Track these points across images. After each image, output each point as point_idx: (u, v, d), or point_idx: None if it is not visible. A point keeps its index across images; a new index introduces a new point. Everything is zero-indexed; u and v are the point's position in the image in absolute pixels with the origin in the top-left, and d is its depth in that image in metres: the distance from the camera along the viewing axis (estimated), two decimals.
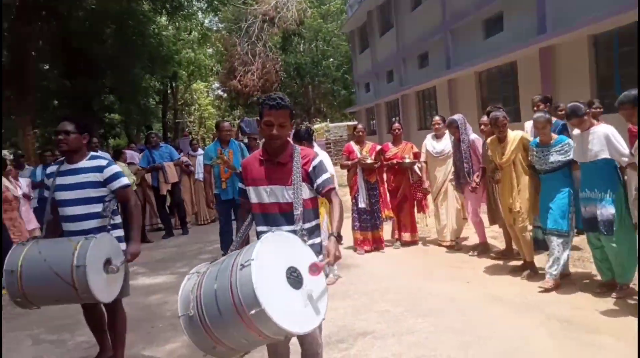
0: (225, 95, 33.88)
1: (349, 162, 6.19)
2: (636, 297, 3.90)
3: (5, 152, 20.20)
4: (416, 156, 6.31)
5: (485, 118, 5.20)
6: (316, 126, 25.78)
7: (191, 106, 40.89)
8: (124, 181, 3.26)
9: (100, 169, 3.19)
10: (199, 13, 14.91)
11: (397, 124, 6.54)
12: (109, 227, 3.20)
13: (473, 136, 5.68)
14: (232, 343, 1.97)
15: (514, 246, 5.28)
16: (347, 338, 3.75)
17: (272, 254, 2.01)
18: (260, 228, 2.50)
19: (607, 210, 3.87)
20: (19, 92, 12.36)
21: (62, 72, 14.38)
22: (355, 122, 27.40)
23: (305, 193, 2.43)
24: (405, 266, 5.67)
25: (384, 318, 4.10)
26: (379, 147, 6.31)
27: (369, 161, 6.05)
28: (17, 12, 10.91)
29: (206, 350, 2.02)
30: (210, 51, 29.40)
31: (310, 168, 2.45)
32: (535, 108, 5.84)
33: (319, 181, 2.45)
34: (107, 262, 2.95)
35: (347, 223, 6.13)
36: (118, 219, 3.34)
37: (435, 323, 3.91)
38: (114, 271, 2.95)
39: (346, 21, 26.45)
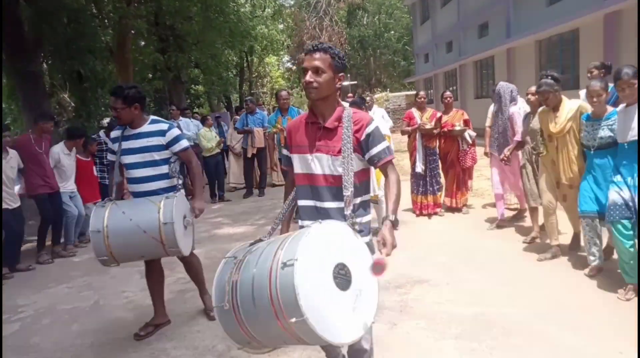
0: (295, 67, 33.87)
1: (409, 128, 5.92)
2: None
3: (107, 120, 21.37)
4: (466, 123, 5.92)
5: (533, 88, 4.48)
6: (376, 96, 25.30)
7: (264, 78, 41.34)
8: (184, 143, 3.14)
9: (162, 133, 3.06)
10: None
11: (447, 93, 6.13)
12: (179, 186, 3.11)
13: (513, 108, 4.98)
14: (268, 342, 1.72)
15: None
16: (405, 285, 3.80)
17: (318, 251, 1.62)
18: (302, 202, 2.04)
19: None
20: (120, 66, 13.08)
21: (155, 47, 14.95)
22: (414, 92, 26.62)
23: (356, 164, 1.93)
24: (459, 225, 5.54)
25: (439, 269, 4.10)
26: (439, 114, 6.00)
27: (428, 126, 5.79)
28: None
29: (241, 343, 1.77)
30: (281, 26, 29.25)
31: (364, 136, 1.91)
32: (589, 74, 5.05)
33: (374, 151, 1.91)
34: (185, 219, 2.95)
35: (406, 186, 5.94)
36: (179, 181, 3.25)
37: (486, 274, 3.88)
38: (189, 224, 2.99)
39: None
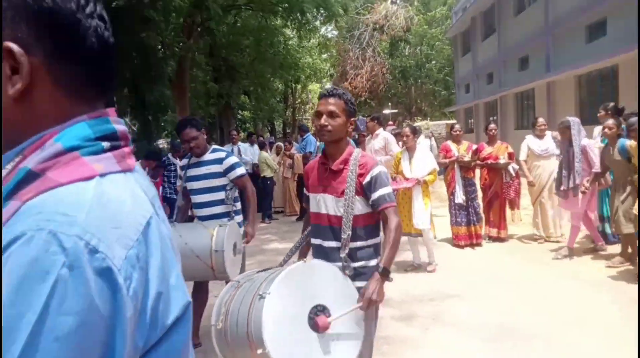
0: None
1: (447, 160, 5.96)
2: None
3: (162, 141, 22.76)
4: (511, 156, 6.01)
5: (610, 121, 4.70)
6: (416, 124, 25.70)
7: (306, 104, 42.68)
8: (240, 171, 3.31)
9: (220, 161, 3.27)
10: (318, 23, 15.76)
11: (492, 125, 6.29)
12: (233, 213, 3.30)
13: (585, 140, 5.05)
14: None
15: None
16: (437, 298, 4.23)
17: (295, 288, 1.65)
18: (312, 240, 2.17)
19: None
20: (178, 94, 14.27)
21: (210, 77, 16.18)
22: (454, 121, 26.87)
23: (361, 207, 2.01)
24: (496, 253, 5.72)
25: (471, 286, 4.49)
26: (474, 146, 6.09)
27: (466, 159, 5.85)
28: (184, 31, 12.61)
29: None
30: (325, 56, 30.49)
31: (367, 179, 1.99)
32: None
33: (375, 195, 1.99)
34: (235, 246, 3.08)
35: (447, 219, 6.19)
36: (238, 205, 3.44)
37: (514, 293, 4.26)
38: (239, 252, 3.13)
39: (450, 27, 25.91)
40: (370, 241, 2.07)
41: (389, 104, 29.73)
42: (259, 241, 7.22)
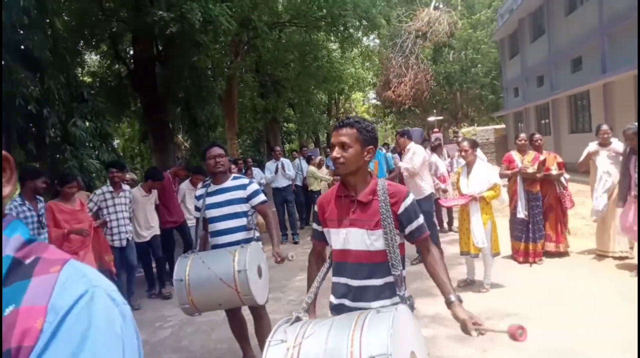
0: (379, 103, 34.80)
1: (509, 172, 5.62)
2: None
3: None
4: (561, 166, 5.73)
5: None
6: (463, 130, 25.18)
7: (349, 113, 42.85)
8: (262, 197, 3.35)
9: (244, 187, 3.30)
10: (360, 33, 15.89)
11: (537, 135, 5.87)
12: (255, 240, 3.26)
13: None
14: None
15: None
16: (494, 317, 4.13)
17: (402, 341, 1.47)
18: (334, 279, 2.02)
19: None
20: (227, 111, 14.83)
21: (257, 93, 16.68)
22: (503, 126, 26.15)
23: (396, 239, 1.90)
24: (557, 268, 5.44)
25: (529, 305, 4.34)
26: (542, 157, 5.61)
27: (530, 170, 5.47)
28: (231, 50, 13.14)
29: None
30: (367, 64, 30.56)
31: (401, 210, 1.90)
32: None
33: (413, 226, 1.91)
34: (259, 268, 3.02)
35: (507, 232, 5.85)
36: (257, 232, 3.41)
37: (575, 313, 4.11)
38: (263, 274, 3.09)
39: (496, 29, 25.29)
40: (404, 271, 1.94)
41: (434, 111, 29.30)
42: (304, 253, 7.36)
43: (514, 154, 5.74)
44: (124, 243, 5.39)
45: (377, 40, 27.88)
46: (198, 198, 3.37)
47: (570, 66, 16.85)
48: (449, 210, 7.80)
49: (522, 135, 5.79)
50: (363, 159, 1.92)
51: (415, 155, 5.86)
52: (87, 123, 7.75)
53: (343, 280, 1.98)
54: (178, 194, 6.40)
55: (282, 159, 8.85)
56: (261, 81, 17.24)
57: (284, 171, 8.45)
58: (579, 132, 15.84)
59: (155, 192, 5.92)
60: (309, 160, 9.53)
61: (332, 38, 14.58)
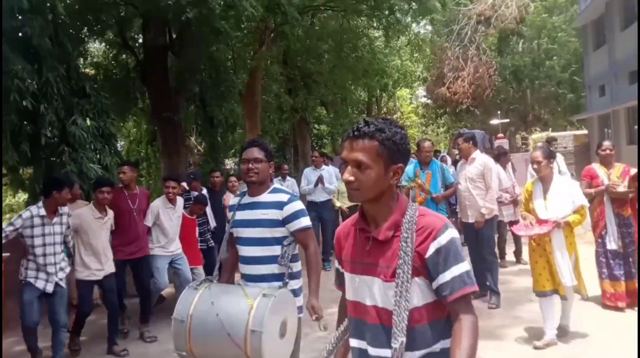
0: (430, 102, 34.63)
1: (592, 190, 5.37)
2: None
3: (229, 162, 23.94)
4: None
5: None
6: (534, 136, 24.68)
7: (393, 114, 42.77)
8: (306, 221, 3.03)
9: (280, 205, 2.98)
10: (409, 18, 15.86)
11: (607, 143, 5.54)
12: (287, 278, 2.95)
13: None
14: None
15: None
16: None
17: None
18: (351, 341, 1.81)
19: None
20: (248, 110, 15.06)
21: (284, 88, 16.90)
22: (584, 131, 25.44)
23: (421, 295, 1.63)
24: None
25: None
26: (633, 170, 5.29)
27: (621, 189, 5.18)
28: (255, 38, 13.39)
29: None
30: (416, 55, 30.54)
31: (431, 251, 1.60)
32: None
33: (446, 276, 1.58)
34: (283, 324, 2.75)
35: (594, 271, 5.51)
36: (297, 266, 3.13)
37: None
38: (288, 333, 2.79)
39: (578, 14, 24.79)
40: (438, 346, 1.64)
41: (498, 112, 28.88)
42: None
43: (597, 168, 5.49)
44: (50, 287, 4.73)
45: (430, 27, 27.84)
46: (230, 208, 3.22)
47: None
48: (517, 238, 7.53)
49: (606, 143, 5.52)
50: (388, 183, 1.66)
51: (490, 173, 5.73)
52: (89, 121, 8.03)
53: (359, 343, 1.76)
54: (147, 216, 5.86)
55: (324, 166, 8.75)
56: (289, 75, 17.45)
57: (323, 184, 8.42)
58: None
59: (111, 213, 5.47)
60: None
61: (375, 24, 14.60)
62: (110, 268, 5.33)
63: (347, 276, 1.79)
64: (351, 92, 19.63)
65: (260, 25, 13.15)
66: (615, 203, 5.29)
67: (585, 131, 25.31)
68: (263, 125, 17.43)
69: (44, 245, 4.68)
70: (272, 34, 14.53)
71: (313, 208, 8.49)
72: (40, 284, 4.67)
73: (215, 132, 13.39)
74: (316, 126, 26.30)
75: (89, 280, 5.22)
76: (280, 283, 2.89)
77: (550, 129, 27.82)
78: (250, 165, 2.97)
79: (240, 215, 3.06)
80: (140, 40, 12.46)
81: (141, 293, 5.81)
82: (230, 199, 5.28)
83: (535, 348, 4.50)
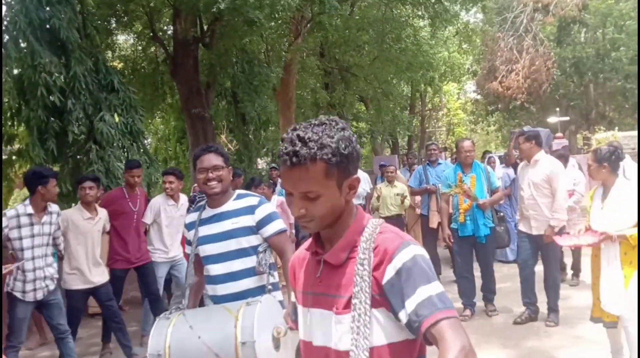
0: (480, 98, 34.17)
1: None
2: None
3: (261, 161, 24.20)
4: None
5: None
6: (598, 136, 24.03)
7: (439, 111, 42.37)
8: (279, 225, 2.95)
9: (251, 209, 2.92)
10: (458, 7, 15.66)
11: None
12: (270, 287, 2.89)
13: None
14: None
15: None
16: None
17: None
18: None
19: None
20: (283, 105, 15.22)
21: (320, 83, 17.01)
22: None
23: (379, 334, 1.42)
24: None
25: None
26: None
27: None
28: (291, 29, 13.51)
29: None
30: (465, 46, 30.22)
31: (388, 276, 1.40)
32: None
33: (410, 304, 1.36)
34: (275, 334, 2.62)
35: None
36: (276, 277, 3.06)
37: None
38: (278, 341, 2.58)
39: None
40: None
41: (557, 109, 28.25)
42: None
43: None
44: (40, 295, 4.55)
45: (481, 15, 27.50)
46: (189, 227, 3.05)
47: None
48: (576, 251, 7.22)
49: None
50: (343, 201, 1.49)
51: (557, 177, 5.45)
52: (117, 118, 8.28)
53: None
54: (146, 215, 5.76)
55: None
56: (326, 68, 17.57)
57: None
58: None
59: (104, 214, 5.33)
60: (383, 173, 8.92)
61: (421, 13, 14.54)
62: (104, 276, 5.18)
63: (299, 310, 1.63)
64: (393, 87, 19.58)
65: (296, 15, 13.27)
66: None
67: None
68: (297, 122, 17.53)
69: (33, 247, 4.45)
70: (308, 25, 14.64)
71: None
72: (29, 297, 4.44)
73: (247, 130, 13.59)
74: (354, 123, 26.30)
75: (81, 290, 5.02)
76: (257, 297, 2.72)
77: (616, 128, 27.00)
78: (209, 174, 2.86)
79: (206, 230, 2.94)
80: (170, 32, 12.77)
81: (150, 300, 5.65)
82: None
83: None
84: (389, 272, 1.40)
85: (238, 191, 3.07)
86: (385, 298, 1.40)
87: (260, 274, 2.89)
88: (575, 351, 4.87)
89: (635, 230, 3.99)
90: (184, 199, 5.95)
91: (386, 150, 33.78)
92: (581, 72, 27.77)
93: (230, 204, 2.94)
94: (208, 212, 2.98)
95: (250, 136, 13.62)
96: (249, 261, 2.90)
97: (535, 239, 5.57)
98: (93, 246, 5.06)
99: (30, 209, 4.42)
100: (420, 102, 34.54)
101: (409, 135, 32.79)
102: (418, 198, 8.05)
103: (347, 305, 1.42)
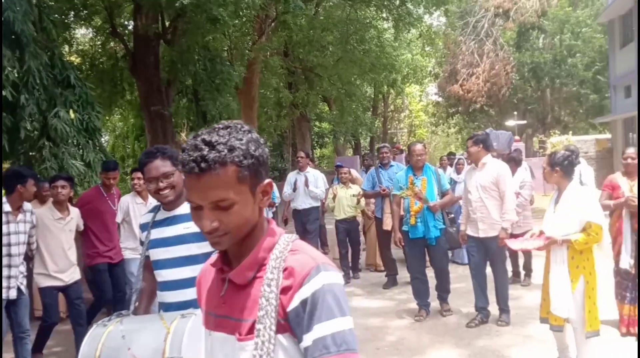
0: (442, 100, 34.71)
1: (611, 202, 5.14)
2: None
3: None
4: None
5: None
6: (553, 140, 24.70)
7: (401, 112, 42.86)
8: None
9: None
10: (421, 9, 15.84)
11: (630, 151, 5.31)
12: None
13: None
14: None
15: None
16: None
17: None
18: None
19: None
20: (245, 104, 15.10)
21: (283, 82, 16.96)
22: (608, 136, 25.47)
23: None
24: None
25: None
26: None
27: None
28: (255, 27, 13.41)
29: None
30: (428, 49, 30.65)
31: (294, 305, 1.30)
32: None
33: (307, 340, 1.27)
34: None
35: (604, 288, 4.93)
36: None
37: None
38: None
39: (604, 9, 24.83)
40: None
41: (514, 113, 28.93)
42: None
43: (619, 178, 5.27)
44: (14, 293, 4.58)
45: (443, 19, 27.92)
46: (142, 228, 2.90)
47: None
48: (527, 253, 7.24)
49: (630, 151, 5.28)
50: (257, 208, 1.38)
51: (504, 180, 5.51)
52: (72, 114, 8.02)
53: None
54: (117, 214, 5.80)
55: (310, 169, 8.49)
56: (290, 68, 17.51)
57: (307, 187, 8.16)
58: None
59: (76, 213, 5.42)
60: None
61: (385, 15, 14.66)
62: (75, 274, 5.23)
63: (203, 332, 1.51)
64: (356, 88, 19.69)
65: (261, 14, 13.18)
66: (635, 218, 4.99)
67: (608, 136, 25.33)
68: (260, 121, 17.48)
69: (9, 244, 4.50)
70: (272, 23, 14.59)
71: (296, 216, 8.33)
72: (4, 294, 4.45)
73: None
74: (317, 123, 26.38)
75: (53, 287, 5.10)
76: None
77: (570, 132, 27.84)
78: (160, 184, 2.68)
79: (157, 233, 2.78)
80: (131, 28, 12.50)
81: (117, 299, 5.70)
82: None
83: None
84: (295, 301, 1.29)
85: None
86: (289, 323, 1.30)
87: None
88: (525, 349, 4.99)
89: (580, 235, 4.08)
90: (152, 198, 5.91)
91: (348, 151, 33.95)
92: (539, 77, 28.51)
93: (184, 208, 2.73)
94: (162, 214, 2.82)
95: None
96: (200, 269, 2.63)
97: (483, 241, 5.62)
98: (63, 245, 5.10)
99: (7, 208, 4.49)
100: (382, 104, 34.84)
101: (371, 136, 33.08)
102: (373, 206, 8.11)
103: (251, 330, 1.31)
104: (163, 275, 2.78)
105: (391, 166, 7.85)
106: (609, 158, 23.06)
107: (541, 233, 4.41)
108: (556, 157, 4.34)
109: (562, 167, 4.27)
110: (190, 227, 2.65)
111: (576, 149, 4.82)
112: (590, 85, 28.72)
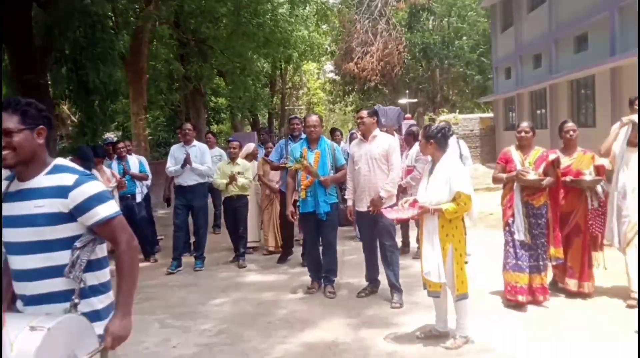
0: (338, 78, 35.11)
1: (504, 175, 5.25)
2: None
3: (110, 135, 22.88)
4: (599, 170, 5.23)
5: None
6: (442, 117, 25.86)
7: (299, 89, 42.96)
8: (106, 210, 2.25)
9: (63, 191, 2.19)
10: None
11: (569, 124, 5.38)
12: (77, 300, 2.21)
13: None
14: None
15: None
16: None
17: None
18: None
19: None
20: (133, 76, 14.34)
21: (174, 54, 16.27)
22: (490, 115, 27.09)
23: None
24: (570, 315, 4.94)
25: None
26: (552, 156, 5.16)
27: (532, 176, 5.02)
28: None
29: None
30: (324, 27, 30.71)
31: None
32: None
33: None
34: None
35: (498, 261, 5.42)
36: (104, 275, 2.38)
37: None
38: None
39: None
40: None
41: (406, 91, 29.94)
42: (234, 272, 7.20)
43: (513, 152, 5.32)
44: None
45: None
46: None
47: (574, 45, 17.67)
48: (404, 224, 7.39)
49: (524, 125, 5.31)
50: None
51: (396, 152, 5.57)
52: None
53: None
54: None
55: (196, 143, 7.88)
56: (181, 39, 16.83)
57: (190, 163, 7.48)
58: (581, 126, 16.64)
59: None
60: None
61: None
62: None
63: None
64: (251, 63, 19.33)
65: None
66: (525, 191, 5.15)
67: (491, 114, 26.88)
68: (149, 94, 16.69)
69: None
70: None
71: (181, 193, 7.65)
72: None
73: (91, 101, 12.53)
74: (213, 98, 25.67)
75: None
76: (70, 304, 2.19)
77: (457, 111, 29.28)
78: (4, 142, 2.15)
79: (7, 209, 2.21)
80: None
81: None
82: None
83: (417, 337, 4.55)
84: None
85: (56, 162, 2.27)
86: None
87: (71, 277, 2.21)
88: (412, 316, 5.10)
89: (449, 204, 4.25)
90: None
91: (246, 127, 33.52)
92: (429, 58, 29.59)
93: (39, 180, 2.22)
94: (15, 185, 2.24)
95: (95, 107, 12.57)
96: (52, 259, 2.21)
97: (370, 216, 5.54)
98: None
99: None
100: (280, 80, 34.66)
101: (270, 112, 32.87)
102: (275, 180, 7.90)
103: None
104: (15, 262, 2.26)
105: (301, 138, 7.34)
106: (492, 135, 24.54)
107: (415, 201, 4.52)
108: (430, 130, 4.49)
109: (435, 139, 4.42)
110: (43, 206, 2.17)
111: (448, 124, 5.03)
112: (475, 67, 30.28)
